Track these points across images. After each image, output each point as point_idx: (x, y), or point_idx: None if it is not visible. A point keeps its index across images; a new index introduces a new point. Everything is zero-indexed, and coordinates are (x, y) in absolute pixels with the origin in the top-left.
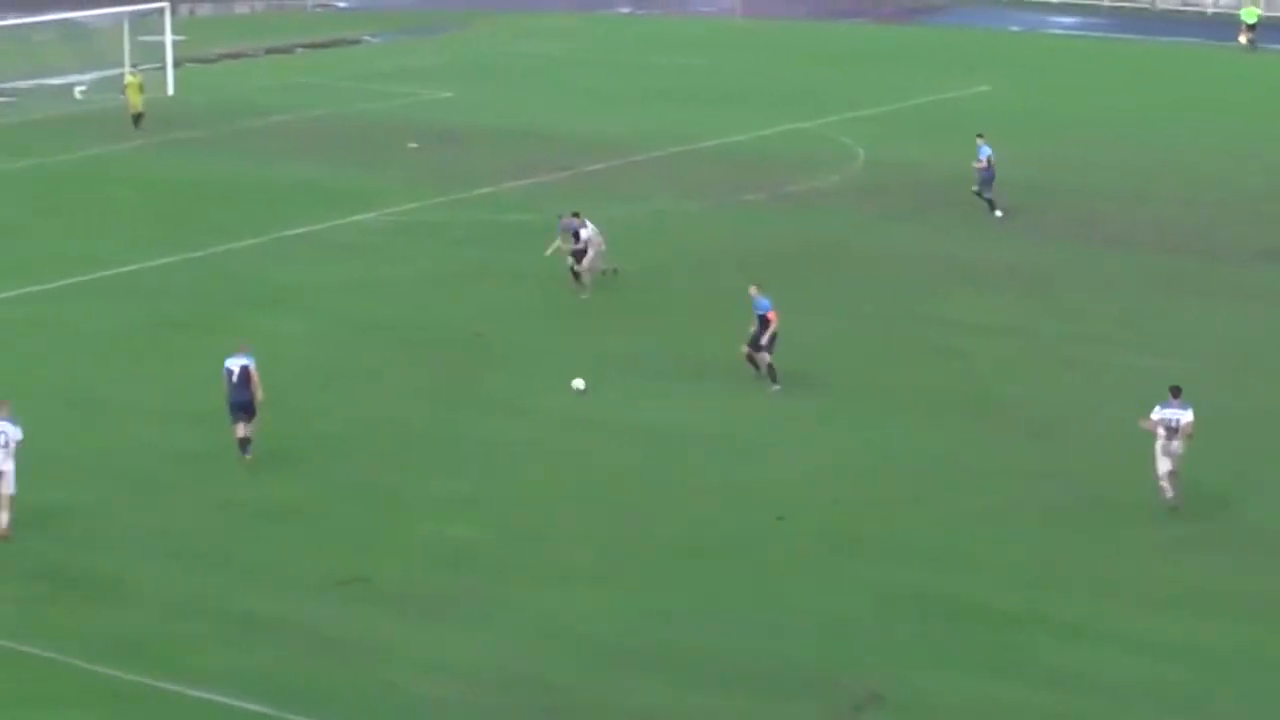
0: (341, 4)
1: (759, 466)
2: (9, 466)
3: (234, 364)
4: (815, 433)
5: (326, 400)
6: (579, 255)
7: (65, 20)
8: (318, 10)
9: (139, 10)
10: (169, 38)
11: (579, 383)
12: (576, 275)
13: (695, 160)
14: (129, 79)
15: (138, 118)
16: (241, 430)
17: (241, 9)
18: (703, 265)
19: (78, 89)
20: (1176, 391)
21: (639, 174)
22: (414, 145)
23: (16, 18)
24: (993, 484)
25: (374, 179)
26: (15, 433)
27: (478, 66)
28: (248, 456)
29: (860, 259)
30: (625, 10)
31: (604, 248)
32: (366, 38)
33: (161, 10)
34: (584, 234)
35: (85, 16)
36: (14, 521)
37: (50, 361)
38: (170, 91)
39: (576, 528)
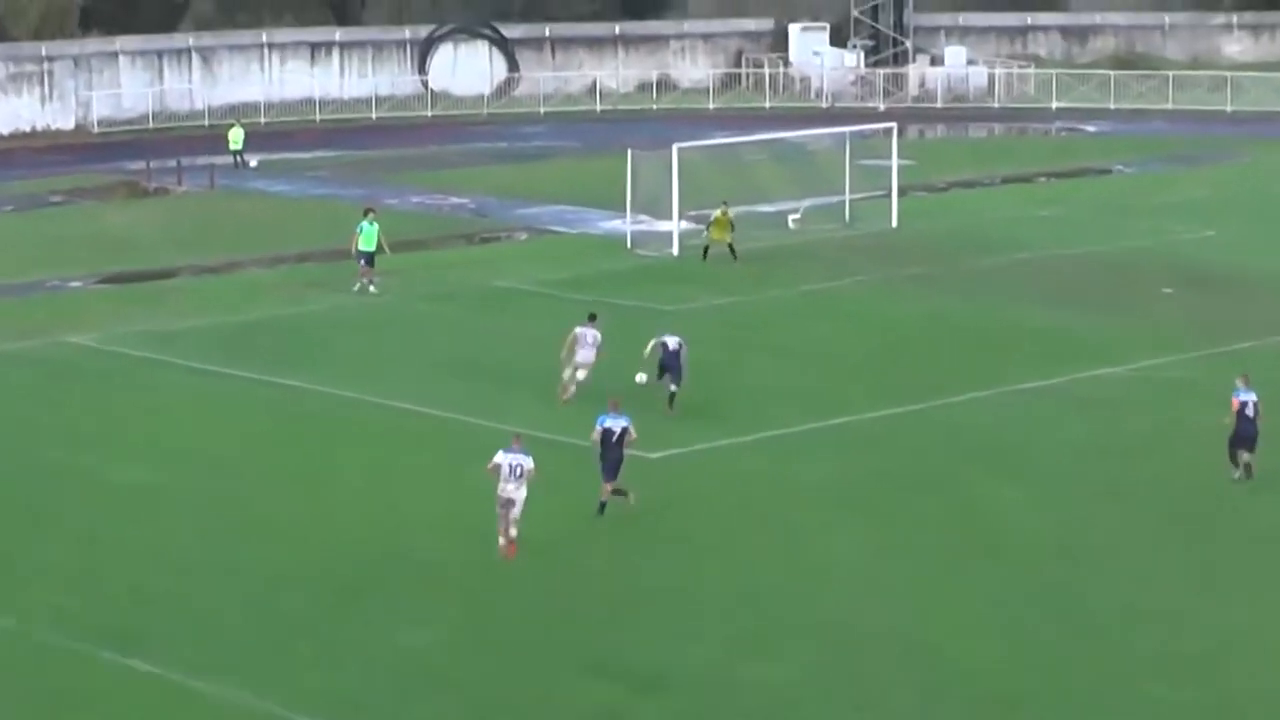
0: (1090, 128)
1: None
2: (521, 494)
3: (615, 425)
4: None
5: (1057, 574)
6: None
7: (780, 140)
8: (1063, 135)
9: (862, 131)
10: (895, 162)
11: (641, 377)
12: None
13: None
14: (717, 215)
15: (708, 250)
16: (613, 489)
17: (977, 132)
18: None
19: (791, 217)
20: None
21: None
22: (1169, 290)
23: (728, 136)
24: None
25: (1121, 327)
26: (528, 462)
27: (1245, 202)
28: (630, 499)
29: None
30: None
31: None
32: (1118, 167)
33: (888, 131)
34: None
35: (802, 136)
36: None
37: (763, 517)
38: (894, 223)
39: None
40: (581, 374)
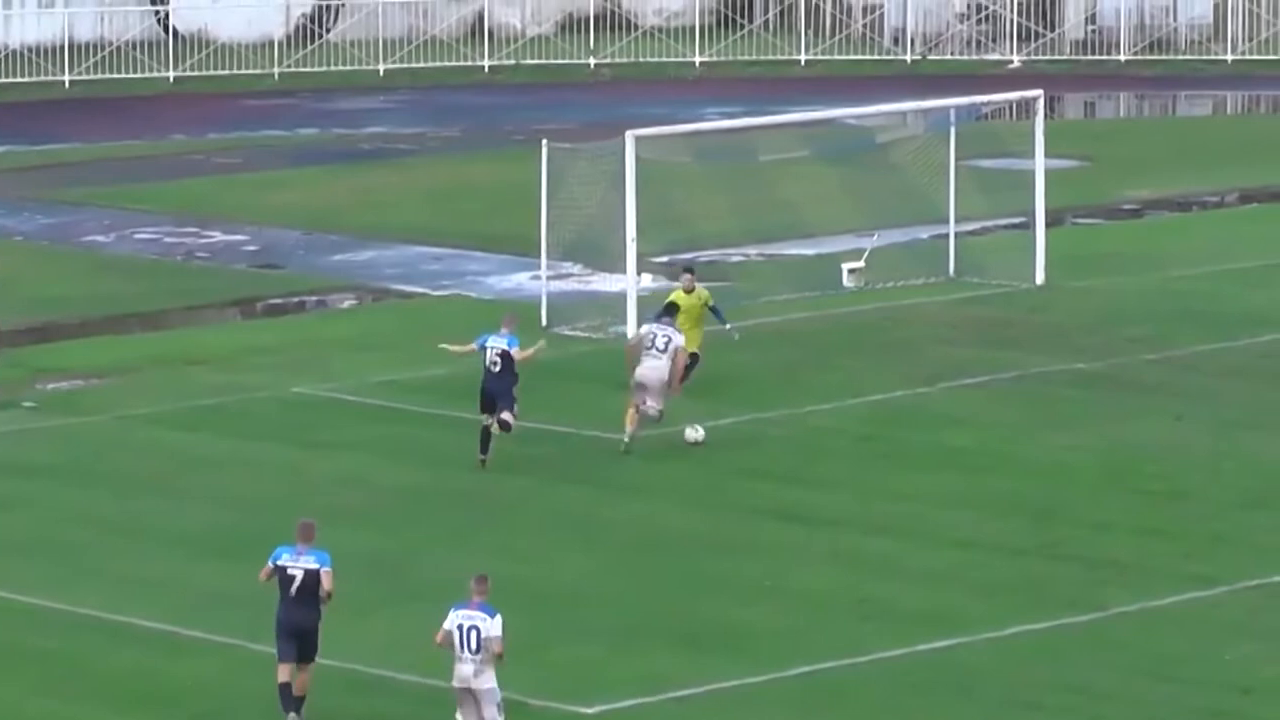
0: None
1: None
2: (484, 683)
3: (294, 566)
4: None
5: None
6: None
7: (827, 124)
8: None
9: (980, 106)
10: (1040, 164)
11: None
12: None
13: None
14: (675, 296)
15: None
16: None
17: (1195, 108)
18: None
19: (848, 266)
20: None
21: None
22: None
23: (729, 115)
24: None
25: None
26: (486, 624)
27: None
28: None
29: None
30: None
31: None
32: None
33: (1029, 105)
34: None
35: (869, 117)
36: None
37: None
38: (1038, 276)
39: None
40: (651, 404)
